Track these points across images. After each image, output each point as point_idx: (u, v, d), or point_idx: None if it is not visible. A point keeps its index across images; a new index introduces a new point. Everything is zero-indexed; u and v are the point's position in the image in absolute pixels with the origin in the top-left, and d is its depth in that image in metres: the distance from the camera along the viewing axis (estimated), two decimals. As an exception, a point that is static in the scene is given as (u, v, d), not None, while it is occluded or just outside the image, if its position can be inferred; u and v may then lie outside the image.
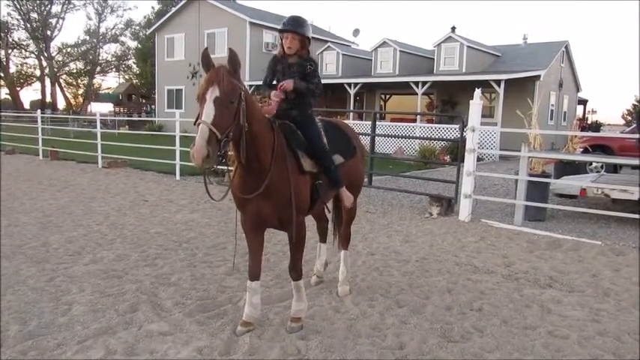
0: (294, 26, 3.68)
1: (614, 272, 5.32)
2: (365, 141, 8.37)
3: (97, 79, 55.54)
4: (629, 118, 50.38)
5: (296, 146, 3.51)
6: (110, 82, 68.60)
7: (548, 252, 6.08)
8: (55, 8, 49.11)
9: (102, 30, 52.28)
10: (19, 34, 49.10)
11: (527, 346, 3.56)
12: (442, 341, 3.59)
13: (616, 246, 6.37)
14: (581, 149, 11.91)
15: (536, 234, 6.91)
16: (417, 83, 21.17)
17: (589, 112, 38.94)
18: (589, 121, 34.31)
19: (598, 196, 7.97)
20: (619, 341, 3.68)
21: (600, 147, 13.88)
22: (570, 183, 8.33)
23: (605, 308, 4.30)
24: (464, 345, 3.54)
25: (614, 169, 12.49)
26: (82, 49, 51.92)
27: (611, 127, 41.82)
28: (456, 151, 12.32)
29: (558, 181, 8.47)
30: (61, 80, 52.42)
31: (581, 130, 19.12)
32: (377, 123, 11.24)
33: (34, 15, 48.02)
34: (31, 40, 48.57)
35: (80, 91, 54.62)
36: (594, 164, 12.57)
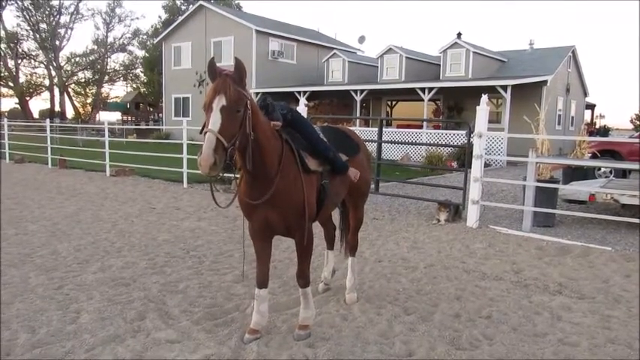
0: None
1: (624, 278, 5.26)
2: (372, 147, 8.39)
3: (105, 88, 56.02)
4: (638, 122, 50.01)
5: (299, 148, 3.52)
6: (118, 90, 69.29)
7: (558, 258, 6.03)
8: (64, 19, 49.72)
9: (110, 39, 52.81)
10: (29, 45, 49.70)
11: (537, 353, 3.53)
12: (451, 349, 3.56)
13: (626, 252, 6.30)
14: (590, 154, 11.82)
15: (544, 240, 6.86)
16: (423, 89, 21.16)
17: (597, 116, 38.70)
18: (597, 126, 34.08)
19: (607, 201, 7.90)
20: (630, 348, 3.64)
21: (609, 152, 13.77)
22: (579, 188, 8.27)
23: (616, 315, 4.25)
24: (473, 353, 3.51)
25: (623, 174, 12.38)
26: (91, 58, 52.42)
27: (620, 132, 41.52)
28: (463, 157, 12.29)
29: (567, 187, 8.41)
30: (70, 89, 52.89)
31: (589, 135, 19.01)
32: (383, 129, 11.23)
33: (43, 25, 48.61)
34: (40, 50, 49.12)
35: (88, 100, 55.07)
36: (603, 169, 12.46)
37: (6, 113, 45.21)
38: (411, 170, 15.54)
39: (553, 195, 7.79)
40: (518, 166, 16.63)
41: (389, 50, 25.55)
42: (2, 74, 47.21)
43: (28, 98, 50.29)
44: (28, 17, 47.37)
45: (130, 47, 53.55)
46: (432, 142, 19.17)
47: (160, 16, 48.40)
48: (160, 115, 38.28)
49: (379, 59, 26.05)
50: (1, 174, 13.00)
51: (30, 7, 47.18)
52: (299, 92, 24.15)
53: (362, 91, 23.56)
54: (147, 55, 47.52)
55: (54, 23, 48.83)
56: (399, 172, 15.07)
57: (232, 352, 3.42)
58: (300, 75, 28.99)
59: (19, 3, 46.27)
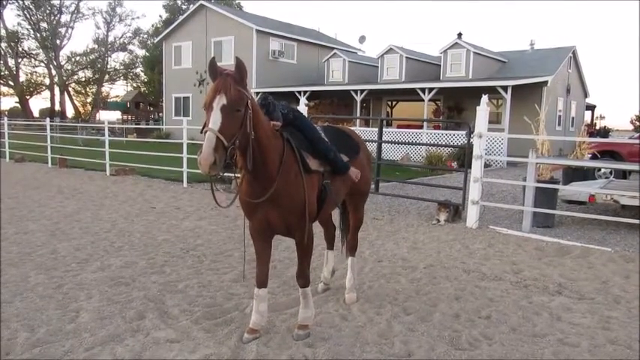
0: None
1: (624, 279, 5.26)
2: (372, 148, 8.39)
3: (106, 88, 56.09)
4: (638, 123, 50.04)
5: (300, 148, 3.52)
6: (118, 90, 69.33)
7: (557, 259, 6.03)
8: (65, 18, 49.77)
9: (110, 39, 52.83)
10: (29, 44, 49.74)
11: (536, 354, 3.53)
12: (450, 349, 3.56)
13: (626, 252, 6.30)
14: (590, 155, 11.82)
15: (544, 240, 6.86)
16: (423, 90, 21.15)
17: (597, 117, 38.76)
18: (597, 127, 34.10)
19: (607, 202, 7.90)
20: (630, 349, 3.64)
21: (609, 153, 13.78)
22: (579, 189, 8.27)
23: (615, 316, 4.25)
24: (472, 353, 3.51)
25: (624, 175, 12.39)
26: (91, 57, 52.44)
27: (620, 133, 41.54)
28: (463, 157, 12.29)
29: (567, 188, 8.41)
30: (70, 89, 52.93)
31: (590, 136, 19.02)
32: (383, 129, 11.23)
33: (44, 25, 48.65)
34: (40, 50, 49.14)
35: (89, 100, 55.10)
36: (603, 170, 12.47)
37: (6, 112, 45.26)
38: (411, 170, 15.54)
39: (553, 195, 7.78)
40: (519, 166, 16.62)
41: (389, 50, 25.54)
42: (3, 73, 47.24)
43: (28, 97, 50.31)
44: (28, 16, 47.43)
45: (130, 46, 53.63)
46: (432, 142, 19.17)
47: (160, 16, 48.37)
48: (160, 114, 38.29)
49: (379, 59, 26.05)
50: (2, 173, 13.00)
51: (31, 6, 47.21)
52: (299, 92, 24.16)
53: (362, 91, 23.56)
54: (147, 54, 47.54)
55: (54, 22, 48.86)
56: (399, 172, 15.07)
57: (231, 352, 3.42)
58: (301, 75, 29.00)
59: (20, 2, 46.32)
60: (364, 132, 19.12)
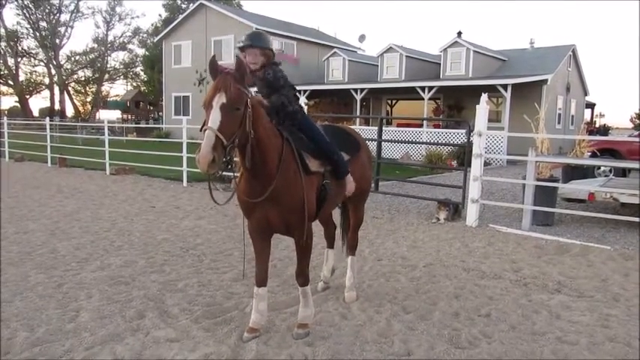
0: (253, 41, 3.63)
1: (623, 277, 5.27)
2: (372, 146, 8.40)
3: (105, 87, 56.08)
4: (638, 121, 50.03)
5: (300, 147, 3.52)
6: (118, 89, 69.39)
7: (557, 257, 6.04)
8: (64, 17, 49.76)
9: (110, 38, 52.83)
10: (29, 43, 49.77)
11: (535, 352, 3.53)
12: (450, 347, 3.56)
13: (625, 250, 6.30)
14: (589, 153, 11.81)
15: (544, 239, 6.86)
16: (423, 88, 21.14)
17: (597, 115, 38.74)
18: (597, 125, 34.06)
19: (607, 200, 7.90)
20: (629, 347, 3.64)
21: (608, 151, 13.77)
22: (578, 187, 8.27)
23: (614, 314, 4.26)
24: (472, 351, 3.52)
25: (623, 173, 12.38)
26: (91, 56, 52.44)
27: (620, 131, 41.53)
28: (462, 156, 12.29)
29: (566, 186, 8.41)
30: (70, 88, 52.91)
31: (589, 134, 19.01)
32: (383, 128, 11.23)
33: (44, 24, 48.64)
34: (40, 49, 49.14)
35: (88, 99, 55.10)
36: (602, 168, 12.46)
37: (6, 112, 45.18)
38: (411, 169, 15.53)
39: (552, 194, 7.78)
40: (518, 164, 16.63)
41: (389, 49, 25.50)
42: (2, 72, 47.22)
43: (28, 97, 50.29)
44: (28, 15, 47.41)
45: (130, 45, 53.62)
46: (432, 141, 19.16)
47: (160, 15, 48.31)
48: (160, 113, 38.29)
49: (379, 58, 26.01)
50: (1, 172, 13.00)
51: (30, 6, 47.20)
52: (299, 91, 24.07)
53: (362, 89, 23.54)
54: (147, 53, 47.49)
55: (54, 21, 48.85)
56: (399, 171, 15.06)
57: (231, 351, 3.42)
58: (301, 74, 28.91)
59: (20, 1, 46.29)
60: (364, 131, 19.06)
